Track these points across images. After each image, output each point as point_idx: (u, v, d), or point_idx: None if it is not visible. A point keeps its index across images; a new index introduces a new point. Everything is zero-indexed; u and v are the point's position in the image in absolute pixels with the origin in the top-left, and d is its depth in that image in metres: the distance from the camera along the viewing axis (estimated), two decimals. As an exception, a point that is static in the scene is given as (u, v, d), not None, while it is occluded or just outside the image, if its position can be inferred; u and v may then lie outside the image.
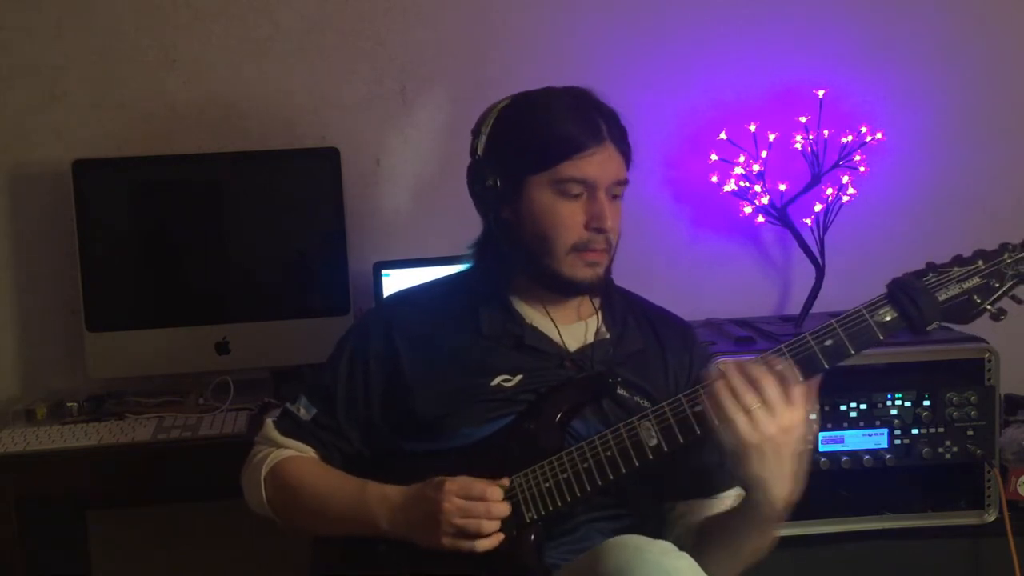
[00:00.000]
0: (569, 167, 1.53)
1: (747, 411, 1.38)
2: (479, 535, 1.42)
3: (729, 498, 1.61)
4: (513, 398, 1.56)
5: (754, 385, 1.38)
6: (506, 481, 1.46)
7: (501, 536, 1.44)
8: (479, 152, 1.61)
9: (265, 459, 1.63)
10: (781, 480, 1.40)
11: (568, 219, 1.55)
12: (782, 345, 1.44)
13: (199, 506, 2.54)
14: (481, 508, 1.42)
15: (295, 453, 1.63)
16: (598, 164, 1.54)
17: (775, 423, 1.37)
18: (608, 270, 1.62)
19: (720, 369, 1.41)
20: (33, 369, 2.49)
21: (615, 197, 1.58)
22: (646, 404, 1.55)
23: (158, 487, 2.24)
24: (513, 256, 1.61)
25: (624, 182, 1.58)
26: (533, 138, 1.57)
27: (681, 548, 1.40)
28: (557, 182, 1.55)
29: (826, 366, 1.43)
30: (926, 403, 2.12)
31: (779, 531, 1.51)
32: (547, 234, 1.56)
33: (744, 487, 1.46)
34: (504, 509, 1.44)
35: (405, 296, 1.72)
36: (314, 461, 1.63)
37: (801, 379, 1.40)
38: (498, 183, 1.58)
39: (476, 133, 1.62)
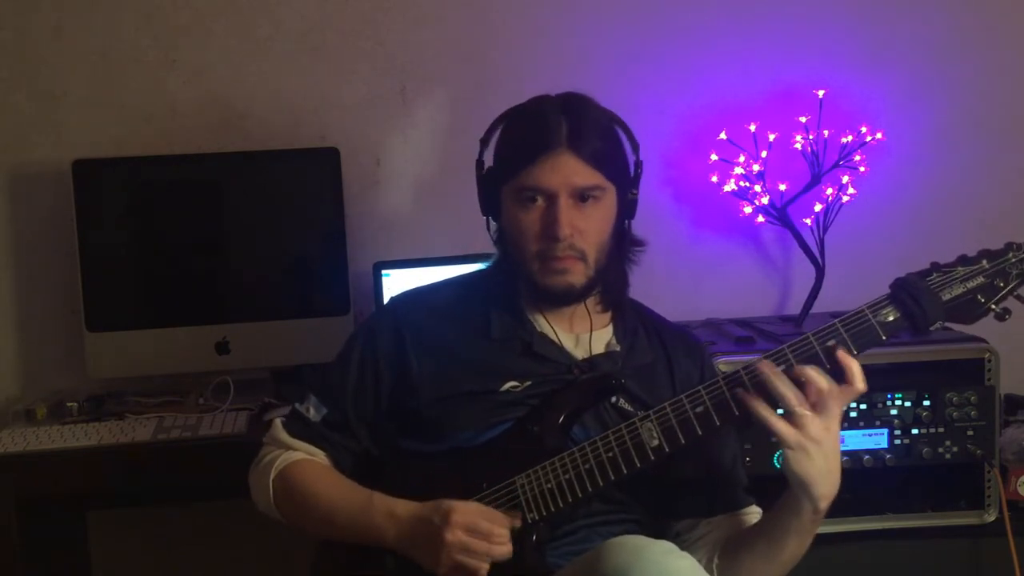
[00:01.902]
0: (524, 176, 1.54)
1: (791, 414, 1.39)
2: (476, 574, 1.41)
3: (754, 515, 1.62)
4: (519, 401, 1.56)
5: (800, 388, 1.39)
6: (518, 521, 1.45)
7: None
8: (482, 167, 1.65)
9: (273, 462, 1.62)
10: (826, 478, 1.41)
11: (528, 228, 1.55)
12: (784, 346, 1.45)
13: (199, 506, 2.54)
14: (483, 547, 1.40)
15: (304, 456, 1.62)
16: (551, 171, 1.52)
17: (819, 423, 1.39)
18: (600, 280, 1.60)
19: (762, 372, 1.41)
20: (33, 369, 2.49)
21: (587, 200, 1.54)
22: None
23: (158, 487, 2.24)
24: (510, 263, 1.62)
25: (594, 187, 1.54)
26: (501, 150, 1.61)
27: (710, 566, 1.44)
28: (517, 191, 1.55)
29: (828, 366, 1.43)
30: (926, 403, 2.12)
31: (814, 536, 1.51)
32: (516, 243, 1.58)
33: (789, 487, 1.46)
34: (506, 552, 1.42)
35: (415, 296, 1.71)
36: (323, 466, 1.62)
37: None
38: (488, 194, 1.63)
39: (482, 143, 1.64)
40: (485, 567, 1.41)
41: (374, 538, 1.50)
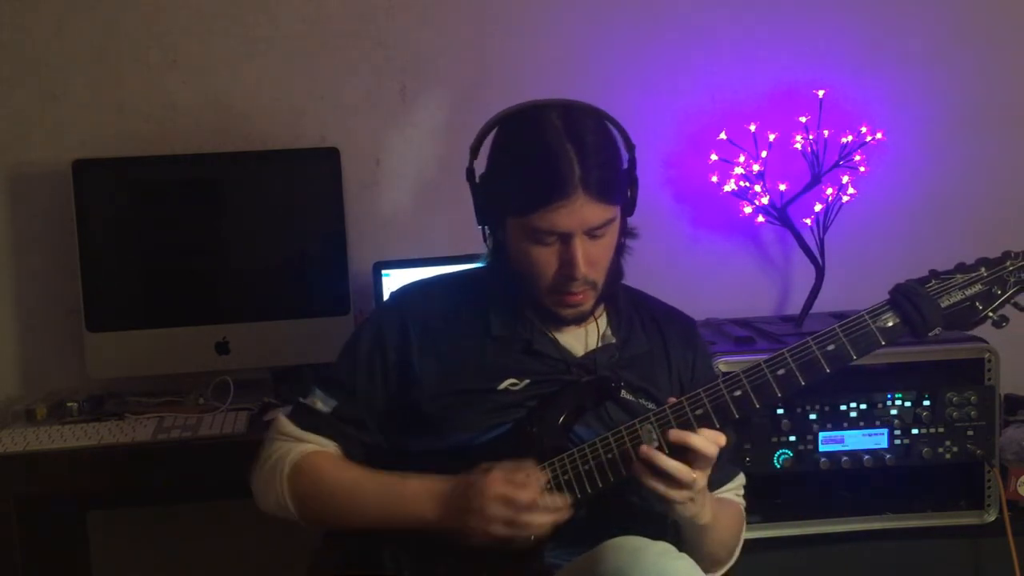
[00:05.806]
0: (538, 219, 1.50)
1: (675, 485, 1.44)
2: (527, 527, 1.42)
3: (729, 491, 1.66)
4: (519, 403, 1.56)
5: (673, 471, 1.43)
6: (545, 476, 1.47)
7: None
8: (475, 176, 1.62)
9: (284, 457, 1.58)
10: (702, 508, 1.50)
11: (542, 265, 1.54)
12: (784, 350, 1.46)
13: (199, 506, 2.54)
14: (525, 495, 1.41)
15: (317, 448, 1.60)
16: (567, 215, 1.48)
17: (702, 478, 1.46)
18: (608, 289, 1.60)
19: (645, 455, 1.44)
20: (33, 369, 2.49)
21: (597, 237, 1.53)
22: (650, 406, 1.56)
23: (158, 487, 2.24)
24: (508, 273, 1.61)
25: (605, 223, 1.51)
26: (508, 183, 1.56)
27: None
28: (530, 231, 1.52)
29: (828, 371, 1.45)
30: (926, 403, 2.12)
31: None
32: (526, 273, 1.56)
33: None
34: (543, 523, 1.43)
35: (419, 290, 1.70)
36: (339, 456, 1.60)
37: (756, 404, 1.46)
38: (486, 209, 1.61)
39: (472, 152, 1.62)
40: (534, 522, 1.42)
41: (410, 513, 1.48)
